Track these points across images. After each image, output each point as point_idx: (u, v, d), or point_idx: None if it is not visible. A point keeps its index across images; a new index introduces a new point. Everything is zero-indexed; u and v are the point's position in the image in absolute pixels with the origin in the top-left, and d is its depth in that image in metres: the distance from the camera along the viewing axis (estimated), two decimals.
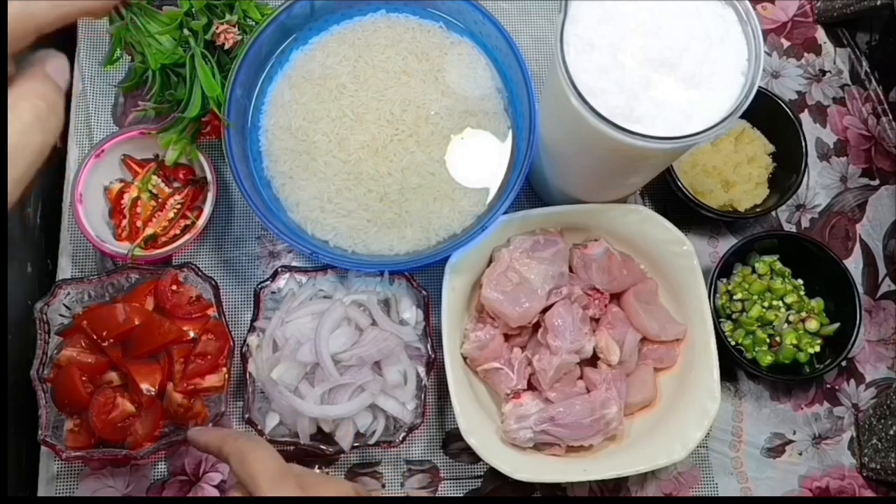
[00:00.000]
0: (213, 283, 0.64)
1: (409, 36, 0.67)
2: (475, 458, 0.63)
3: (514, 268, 0.64)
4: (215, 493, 0.65)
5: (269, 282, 0.65)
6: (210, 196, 0.66)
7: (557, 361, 0.61)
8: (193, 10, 0.63)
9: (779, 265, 0.71)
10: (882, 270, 0.77)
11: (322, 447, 0.61)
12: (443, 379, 0.62)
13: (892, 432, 0.67)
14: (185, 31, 0.63)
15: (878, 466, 0.68)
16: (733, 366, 0.71)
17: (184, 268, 0.64)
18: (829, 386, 0.73)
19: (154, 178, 0.68)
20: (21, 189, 0.29)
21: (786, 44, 0.82)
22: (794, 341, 0.68)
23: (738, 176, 0.72)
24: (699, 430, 0.61)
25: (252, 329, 0.64)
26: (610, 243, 0.66)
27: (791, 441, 0.71)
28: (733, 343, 0.69)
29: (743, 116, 0.55)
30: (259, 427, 0.61)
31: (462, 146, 0.65)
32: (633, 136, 0.49)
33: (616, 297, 0.68)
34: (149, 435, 0.61)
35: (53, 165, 0.70)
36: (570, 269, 0.67)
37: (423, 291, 0.65)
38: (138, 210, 0.67)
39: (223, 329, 0.63)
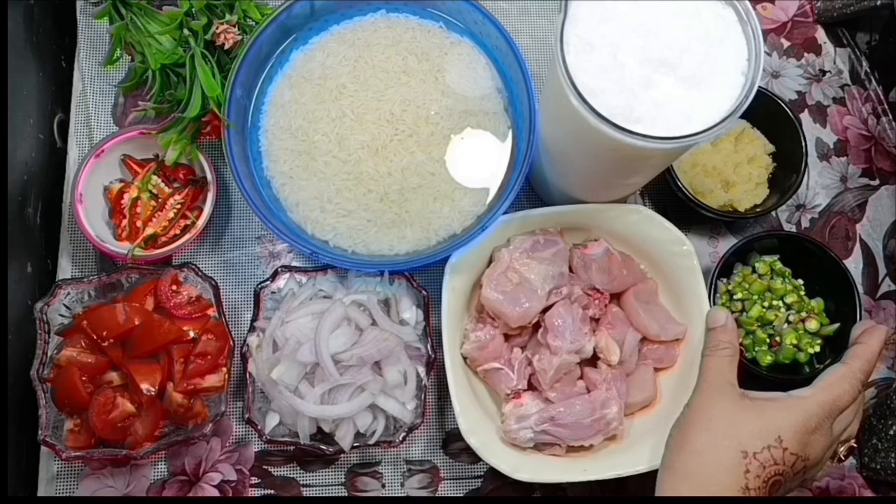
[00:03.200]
0: (213, 283, 0.64)
1: (409, 36, 0.67)
2: (475, 458, 0.63)
3: (514, 268, 0.63)
4: (215, 493, 0.65)
5: (269, 282, 0.65)
6: (210, 196, 0.66)
7: (557, 361, 0.61)
8: (193, 10, 0.64)
9: (779, 265, 0.71)
10: (882, 270, 0.77)
11: (322, 447, 0.61)
12: (443, 379, 0.62)
13: (892, 432, 0.67)
14: (185, 31, 0.63)
15: (878, 466, 0.68)
16: None
17: (184, 268, 0.64)
18: None
19: (154, 178, 0.68)
20: None
21: (786, 44, 0.82)
22: (794, 341, 0.68)
23: (738, 176, 0.72)
24: None
25: (252, 329, 0.64)
26: (610, 243, 0.66)
27: None
28: None
29: (743, 116, 0.55)
30: (259, 427, 0.61)
31: (462, 146, 0.65)
32: (633, 136, 0.49)
33: (616, 297, 0.68)
34: (149, 435, 0.61)
35: (53, 165, 0.70)
36: (570, 269, 0.67)
37: (423, 291, 0.65)
38: (138, 210, 0.67)
39: (223, 329, 0.63)
